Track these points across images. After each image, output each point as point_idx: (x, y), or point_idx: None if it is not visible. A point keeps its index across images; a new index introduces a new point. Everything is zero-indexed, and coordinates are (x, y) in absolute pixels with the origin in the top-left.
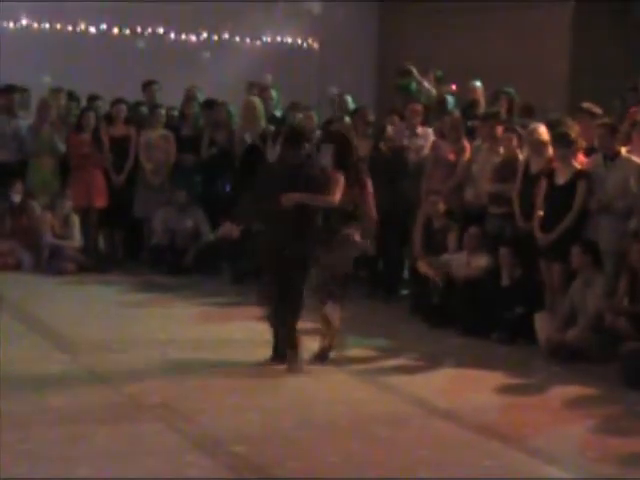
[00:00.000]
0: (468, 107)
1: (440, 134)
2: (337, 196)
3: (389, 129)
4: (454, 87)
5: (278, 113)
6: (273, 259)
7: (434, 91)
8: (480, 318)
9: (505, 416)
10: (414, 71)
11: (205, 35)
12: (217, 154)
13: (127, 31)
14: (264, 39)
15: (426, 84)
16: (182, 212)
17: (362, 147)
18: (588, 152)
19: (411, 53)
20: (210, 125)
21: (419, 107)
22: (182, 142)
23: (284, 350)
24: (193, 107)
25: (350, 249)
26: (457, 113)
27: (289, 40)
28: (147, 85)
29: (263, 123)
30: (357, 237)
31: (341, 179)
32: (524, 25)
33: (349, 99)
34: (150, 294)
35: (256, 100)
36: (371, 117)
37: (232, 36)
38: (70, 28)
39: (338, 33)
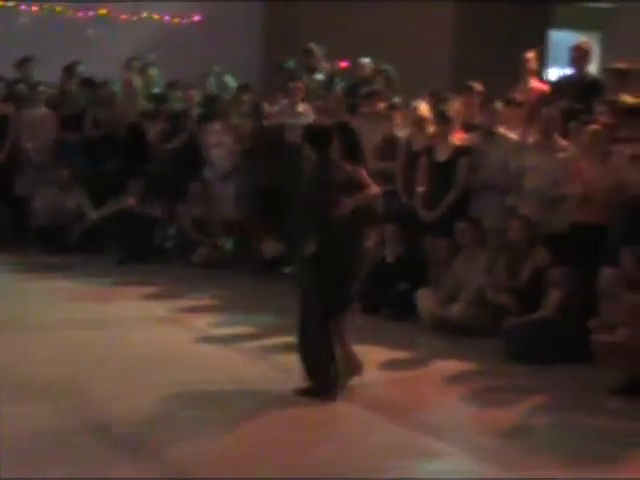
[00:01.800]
0: (357, 85)
1: (323, 112)
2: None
3: (268, 107)
4: (344, 64)
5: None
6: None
7: (327, 68)
8: (367, 295)
9: (391, 391)
10: (315, 50)
11: (87, 11)
12: (100, 133)
13: (8, 5)
14: (147, 15)
15: (324, 63)
16: (64, 191)
17: (244, 126)
18: (470, 129)
19: (297, 31)
20: (92, 103)
21: (300, 85)
22: (64, 120)
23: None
24: (73, 85)
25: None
26: (339, 91)
27: (173, 17)
28: (22, 62)
29: (142, 102)
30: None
31: (364, 172)
32: (410, 2)
33: (229, 78)
34: (36, 274)
35: (134, 78)
36: (247, 96)
37: (115, 12)
38: None
39: (222, 10)
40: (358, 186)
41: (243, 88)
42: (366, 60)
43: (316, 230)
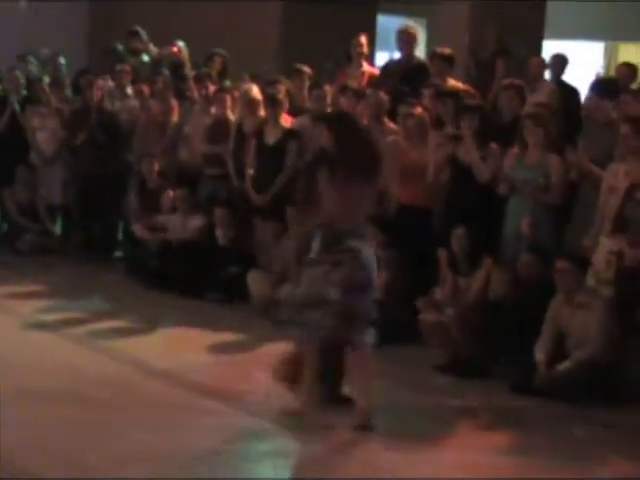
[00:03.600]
0: (175, 67)
1: (151, 95)
2: None
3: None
4: (176, 49)
5: None
6: None
7: (153, 52)
8: (196, 279)
9: (222, 375)
10: (141, 32)
11: None
12: None
13: None
14: None
15: (151, 46)
16: None
17: (69, 109)
18: (299, 112)
19: (123, 15)
20: None
21: (128, 68)
22: None
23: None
24: None
25: None
26: (167, 74)
27: None
28: None
29: None
30: None
31: None
32: None
33: (62, 60)
34: None
35: None
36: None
37: None
38: None
39: None
40: None
41: (83, 71)
42: (180, 43)
43: None
